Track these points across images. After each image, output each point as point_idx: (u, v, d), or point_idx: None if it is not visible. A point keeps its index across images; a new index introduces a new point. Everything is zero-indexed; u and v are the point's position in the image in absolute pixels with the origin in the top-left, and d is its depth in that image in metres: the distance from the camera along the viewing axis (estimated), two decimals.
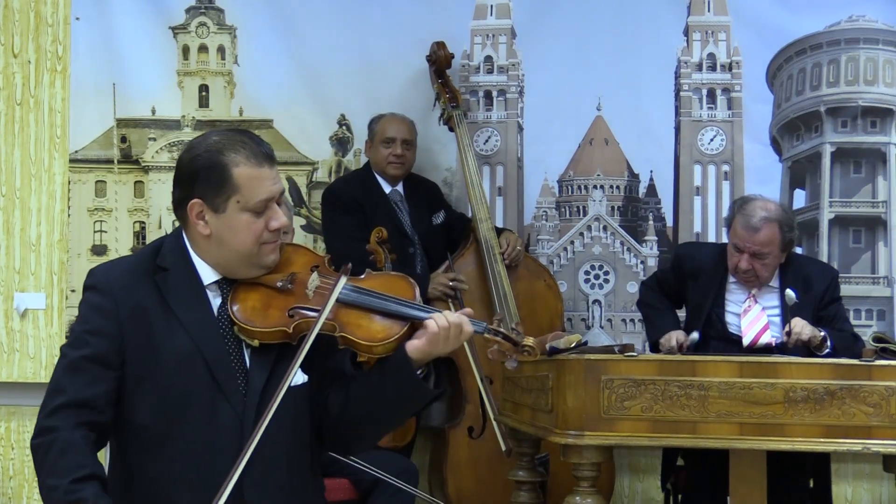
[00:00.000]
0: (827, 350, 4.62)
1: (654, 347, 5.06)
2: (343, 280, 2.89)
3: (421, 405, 2.99)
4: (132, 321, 2.82)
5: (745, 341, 4.81)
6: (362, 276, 3.01)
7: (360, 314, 2.91)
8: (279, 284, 2.91)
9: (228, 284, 2.91)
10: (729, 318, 4.95)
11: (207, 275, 2.91)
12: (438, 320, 2.89)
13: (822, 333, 4.65)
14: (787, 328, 4.64)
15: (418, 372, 2.89)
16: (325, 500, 3.12)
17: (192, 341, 2.83)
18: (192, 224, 2.87)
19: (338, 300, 2.89)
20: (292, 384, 2.83)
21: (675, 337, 4.88)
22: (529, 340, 2.98)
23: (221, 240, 2.86)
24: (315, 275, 2.95)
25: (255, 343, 2.86)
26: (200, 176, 2.84)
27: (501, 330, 3.00)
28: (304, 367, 2.90)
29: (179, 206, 2.90)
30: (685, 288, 5.10)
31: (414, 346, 2.88)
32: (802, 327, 4.63)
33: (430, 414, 5.83)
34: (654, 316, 5.19)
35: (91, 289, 2.88)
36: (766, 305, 4.92)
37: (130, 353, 2.82)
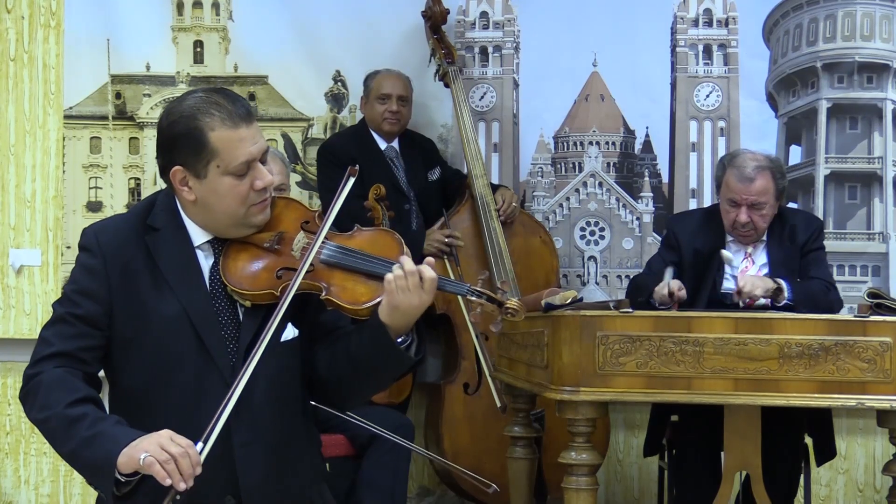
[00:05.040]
0: (784, 301, 4.61)
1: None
2: (319, 241, 2.84)
3: (400, 371, 2.91)
4: (122, 283, 2.82)
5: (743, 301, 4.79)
6: (350, 233, 2.96)
7: (345, 276, 2.86)
8: (266, 245, 2.88)
9: (220, 244, 2.90)
10: (726, 282, 4.93)
11: (198, 236, 2.89)
12: (394, 270, 2.78)
13: (775, 286, 4.64)
14: (737, 287, 4.63)
15: (400, 339, 2.82)
16: (321, 455, 3.13)
17: (181, 304, 2.82)
18: (178, 190, 2.85)
19: (322, 261, 2.85)
20: (283, 339, 2.83)
21: (665, 285, 4.66)
22: (513, 302, 2.86)
23: (207, 204, 2.83)
24: (301, 234, 2.91)
25: (248, 304, 2.85)
26: (178, 143, 2.80)
27: (485, 291, 2.87)
28: (295, 322, 2.90)
29: (163, 172, 2.88)
30: (682, 261, 5.04)
31: (381, 304, 2.80)
32: (752, 286, 4.61)
33: (426, 370, 5.84)
34: (644, 282, 4.96)
35: (83, 249, 2.88)
36: (759, 263, 4.93)
37: (119, 316, 2.82)
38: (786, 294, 4.63)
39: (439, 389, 5.51)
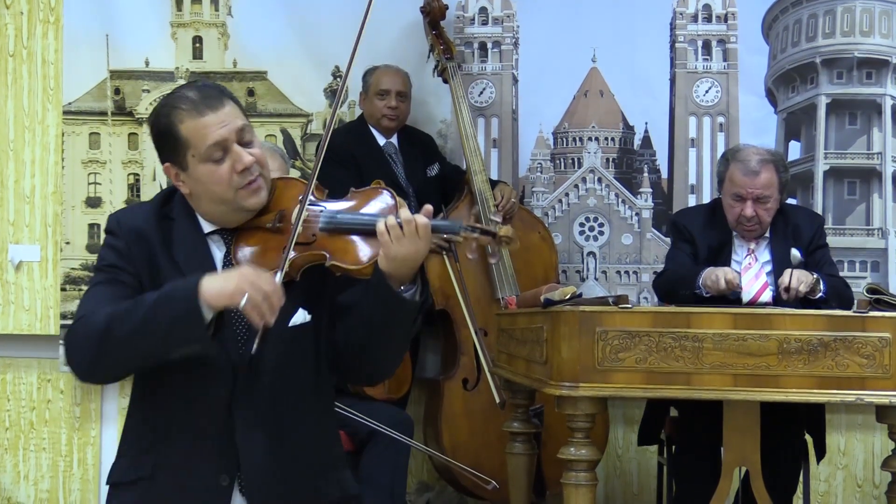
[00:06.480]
0: (821, 293, 4.62)
1: (695, 301, 4.72)
2: (307, 198, 2.86)
3: (410, 318, 2.90)
4: (144, 267, 2.87)
5: (746, 298, 4.76)
6: (344, 198, 2.98)
7: (346, 240, 2.88)
8: (269, 225, 2.91)
9: (230, 234, 2.94)
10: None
11: (207, 227, 2.94)
12: (387, 219, 2.80)
13: (815, 276, 4.65)
14: (782, 284, 4.60)
15: (402, 287, 2.84)
16: (339, 444, 3.12)
17: None
18: (176, 185, 2.93)
19: (321, 230, 2.87)
20: (291, 324, 2.86)
21: (722, 275, 4.67)
22: (506, 230, 2.90)
23: (199, 195, 2.89)
24: (297, 207, 2.92)
25: None
26: (160, 141, 2.90)
27: (478, 225, 2.91)
28: (312, 306, 2.92)
29: (163, 170, 2.97)
30: (698, 254, 5.02)
31: (379, 257, 2.82)
32: (798, 279, 4.61)
33: (425, 366, 5.85)
34: (681, 274, 4.91)
35: (108, 232, 2.94)
36: (762, 260, 4.92)
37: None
38: (822, 287, 4.63)
39: (438, 385, 5.51)
